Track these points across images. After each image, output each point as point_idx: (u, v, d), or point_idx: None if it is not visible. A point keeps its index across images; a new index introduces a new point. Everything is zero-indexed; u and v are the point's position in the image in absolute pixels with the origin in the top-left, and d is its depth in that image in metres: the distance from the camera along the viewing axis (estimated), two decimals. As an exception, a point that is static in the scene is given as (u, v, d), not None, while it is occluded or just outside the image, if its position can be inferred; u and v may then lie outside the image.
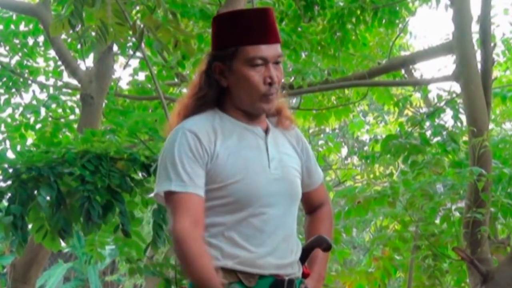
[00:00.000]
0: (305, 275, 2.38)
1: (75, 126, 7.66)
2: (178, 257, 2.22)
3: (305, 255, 2.39)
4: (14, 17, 8.62)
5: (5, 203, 4.41)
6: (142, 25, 4.49)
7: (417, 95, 8.97)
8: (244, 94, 2.28)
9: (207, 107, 2.32)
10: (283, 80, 2.35)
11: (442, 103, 6.61)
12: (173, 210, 2.20)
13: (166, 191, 2.23)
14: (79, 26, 4.56)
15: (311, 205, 2.53)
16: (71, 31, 4.60)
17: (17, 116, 8.66)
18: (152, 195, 2.32)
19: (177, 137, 2.25)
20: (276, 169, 2.31)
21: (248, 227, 2.24)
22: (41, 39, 8.83)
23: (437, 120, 6.47)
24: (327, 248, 2.38)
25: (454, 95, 6.69)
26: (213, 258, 2.20)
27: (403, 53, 9.93)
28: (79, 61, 7.84)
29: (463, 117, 6.36)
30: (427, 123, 6.46)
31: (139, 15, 6.63)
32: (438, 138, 6.26)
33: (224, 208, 2.24)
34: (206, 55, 2.39)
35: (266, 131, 2.35)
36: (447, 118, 6.67)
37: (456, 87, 6.47)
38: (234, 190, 2.23)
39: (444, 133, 6.26)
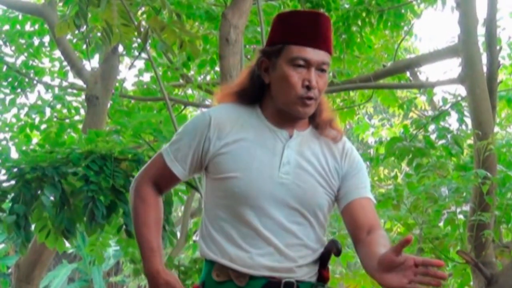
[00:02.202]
0: (324, 279, 2.34)
1: (80, 126, 7.68)
2: (132, 206, 2.39)
3: (324, 260, 2.35)
4: (20, 17, 8.65)
5: (9, 203, 4.42)
6: (147, 26, 4.49)
7: (422, 98, 8.96)
8: (281, 93, 2.27)
9: (247, 100, 2.34)
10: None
11: (447, 106, 6.59)
12: (150, 164, 2.39)
13: (161, 150, 2.38)
14: (84, 26, 4.57)
15: (357, 228, 2.31)
16: (76, 32, 4.60)
17: (22, 116, 8.69)
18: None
19: (198, 116, 2.37)
20: (288, 174, 2.26)
21: (248, 226, 2.22)
22: (46, 39, 8.86)
23: (442, 123, 6.45)
24: (336, 253, 2.34)
25: (459, 98, 6.67)
26: (212, 252, 2.25)
27: (408, 56, 9.92)
28: (85, 62, 7.86)
29: (467, 120, 6.34)
30: (432, 126, 6.44)
31: (144, 16, 6.64)
32: (443, 141, 6.24)
33: (223, 201, 2.25)
34: (257, 50, 2.41)
35: (292, 135, 2.31)
36: (452, 121, 6.65)
37: (461, 90, 6.46)
38: (232, 185, 2.22)
39: (449, 136, 6.24)
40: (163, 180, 2.36)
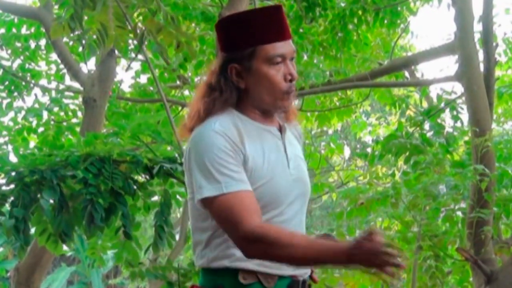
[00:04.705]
0: (312, 279, 2.38)
1: (78, 129, 7.68)
2: (271, 253, 2.08)
3: None
4: (16, 20, 8.63)
5: (8, 207, 4.41)
6: (143, 28, 4.49)
7: (418, 95, 8.97)
8: (266, 93, 2.25)
9: (227, 108, 2.28)
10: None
11: (442, 104, 6.58)
12: (234, 211, 2.10)
13: (216, 195, 2.13)
14: (80, 29, 4.57)
15: None
16: (72, 34, 4.60)
17: (19, 119, 8.68)
18: (196, 201, 2.20)
19: (212, 139, 2.17)
20: (294, 169, 2.29)
21: None
22: (43, 42, 8.85)
23: (438, 120, 6.45)
24: None
25: (454, 95, 6.66)
26: (236, 259, 2.18)
27: (405, 54, 9.93)
28: (81, 64, 7.86)
29: (463, 117, 6.35)
30: (427, 124, 6.43)
31: (141, 17, 6.63)
32: (440, 139, 6.25)
33: None
34: (218, 57, 2.34)
35: (280, 130, 2.33)
36: (448, 118, 6.65)
37: (458, 88, 6.46)
38: (261, 194, 2.19)
39: (445, 132, 6.25)
40: (254, 207, 2.14)
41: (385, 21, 7.72)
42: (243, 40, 2.25)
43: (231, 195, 2.12)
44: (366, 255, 2.00)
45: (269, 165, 2.23)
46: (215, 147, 2.16)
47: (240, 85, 2.26)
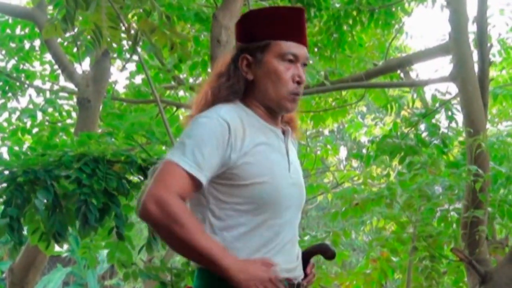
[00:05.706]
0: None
1: (72, 130, 7.67)
2: (167, 225, 2.07)
3: (306, 260, 2.38)
4: (10, 21, 8.62)
5: (1, 206, 4.40)
6: (137, 29, 4.48)
7: (414, 95, 8.96)
8: (272, 87, 2.26)
9: (234, 98, 2.29)
10: None
11: (437, 105, 6.57)
12: (167, 176, 2.11)
13: (172, 161, 2.13)
14: (74, 29, 4.56)
15: None
16: (66, 35, 4.60)
17: (13, 120, 8.66)
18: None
19: (210, 120, 2.17)
20: (294, 173, 2.30)
21: (269, 230, 2.22)
22: (37, 43, 8.84)
23: (432, 121, 6.45)
24: (331, 256, 2.37)
25: (448, 96, 6.66)
26: None
27: (399, 54, 9.93)
28: (76, 65, 7.84)
29: (457, 117, 6.35)
30: (422, 125, 6.44)
31: (135, 18, 6.63)
32: (435, 140, 6.24)
33: (247, 207, 2.20)
34: (234, 47, 2.38)
35: (284, 133, 2.34)
36: (443, 119, 6.65)
37: (453, 88, 6.46)
38: (259, 191, 2.19)
39: (440, 132, 6.25)
40: (186, 192, 2.13)
41: (380, 22, 7.73)
42: (260, 32, 2.29)
43: (183, 172, 2.11)
44: (250, 280, 2.09)
45: (269, 163, 2.23)
46: (209, 130, 2.16)
47: (248, 76, 2.29)
